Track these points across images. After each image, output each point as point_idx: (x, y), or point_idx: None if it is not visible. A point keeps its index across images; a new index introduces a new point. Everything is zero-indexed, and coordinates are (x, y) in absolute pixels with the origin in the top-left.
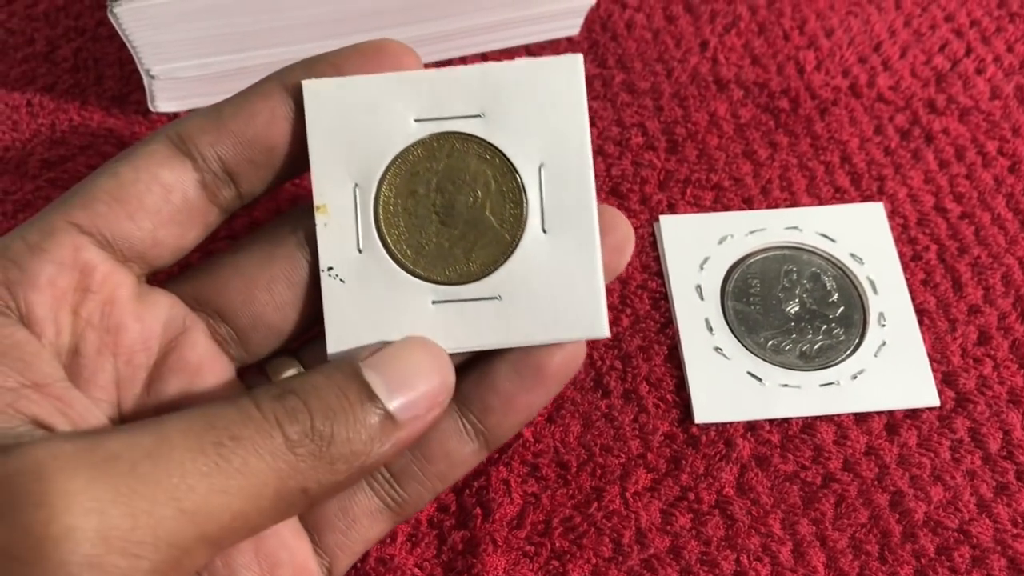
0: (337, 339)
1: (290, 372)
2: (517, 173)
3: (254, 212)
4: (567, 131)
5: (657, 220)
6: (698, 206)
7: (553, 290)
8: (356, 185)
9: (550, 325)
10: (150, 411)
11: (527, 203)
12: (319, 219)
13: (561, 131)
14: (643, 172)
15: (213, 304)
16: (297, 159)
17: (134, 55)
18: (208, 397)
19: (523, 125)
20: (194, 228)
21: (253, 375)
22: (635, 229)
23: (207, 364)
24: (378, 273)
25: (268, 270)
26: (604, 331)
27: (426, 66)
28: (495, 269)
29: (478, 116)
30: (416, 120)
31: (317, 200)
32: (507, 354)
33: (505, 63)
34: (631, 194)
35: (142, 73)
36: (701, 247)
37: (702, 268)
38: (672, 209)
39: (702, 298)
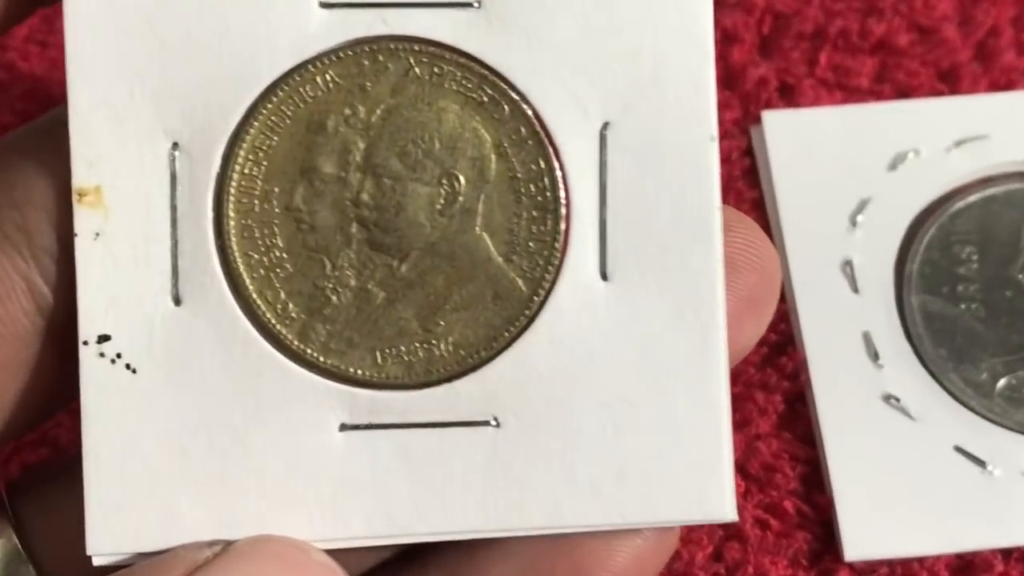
0: (111, 513)
1: None
2: (550, 140)
3: None
4: (667, 49)
5: (757, 121)
6: (844, 88)
7: (617, 411)
8: (175, 146)
9: (607, 493)
10: None
11: (569, 211)
12: (83, 219)
13: (653, 49)
14: (727, 21)
15: None
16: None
17: None
18: None
19: (568, 31)
20: None
21: None
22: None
23: None
24: (218, 354)
25: None
26: (727, 511)
27: None
28: (489, 357)
29: (468, 4)
30: (322, 2)
31: (80, 177)
32: (508, 545)
33: None
34: None
35: None
36: (852, 177)
37: (854, 223)
38: (787, 97)
39: (856, 289)
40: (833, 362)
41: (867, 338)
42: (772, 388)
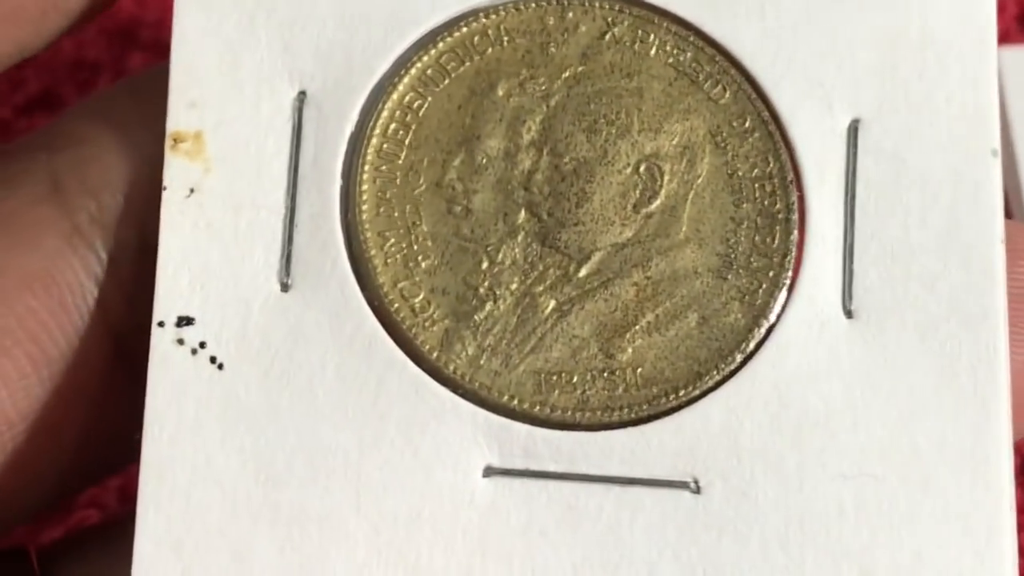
0: (168, 553)
1: None
2: (782, 134)
3: None
4: (938, 32)
5: None
6: None
7: (860, 486)
8: (302, 95)
9: None
10: None
11: (803, 223)
12: (176, 170)
13: (921, 32)
14: None
15: None
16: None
17: None
18: None
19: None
20: None
21: None
22: None
23: None
24: (332, 356)
25: None
26: None
27: None
28: (690, 399)
29: None
30: None
31: (177, 118)
32: None
33: None
34: None
35: None
36: None
37: None
38: None
39: None
40: None
41: None
42: None
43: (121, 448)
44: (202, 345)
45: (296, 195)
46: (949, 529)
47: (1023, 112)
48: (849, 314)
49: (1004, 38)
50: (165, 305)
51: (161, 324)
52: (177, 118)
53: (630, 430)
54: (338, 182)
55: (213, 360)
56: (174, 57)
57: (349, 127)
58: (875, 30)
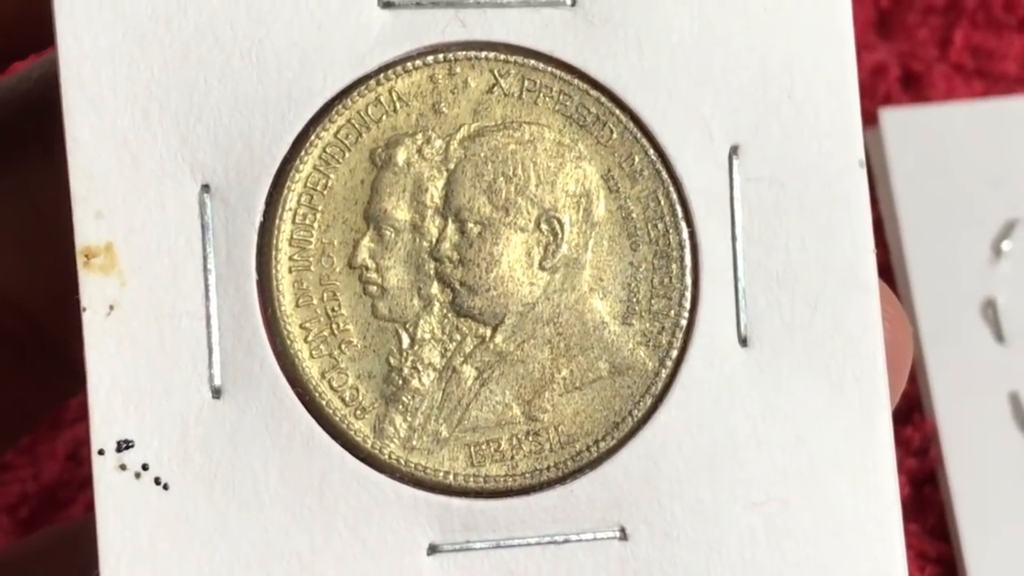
0: None
1: None
2: (668, 169)
3: None
4: (801, 53)
5: (874, 120)
6: (985, 76)
7: (768, 511)
8: (206, 189)
9: None
10: None
11: (696, 258)
12: (92, 289)
13: (786, 54)
14: None
15: None
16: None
17: None
18: None
19: (684, 33)
20: None
21: None
22: None
23: None
24: (273, 460)
25: None
26: None
27: None
28: (610, 449)
29: (560, 3)
30: (384, 0)
31: (86, 232)
32: None
33: None
34: None
35: None
36: (996, 192)
37: (999, 253)
38: (913, 88)
39: (1000, 337)
40: (972, 433)
41: (1016, 401)
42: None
43: None
44: (144, 467)
45: (214, 298)
46: (848, 540)
47: (905, 171)
48: (744, 343)
49: (887, 100)
50: (102, 432)
51: (101, 452)
52: (86, 232)
53: (559, 489)
54: (254, 277)
55: (158, 481)
56: (72, 163)
57: (257, 218)
58: (745, 55)
